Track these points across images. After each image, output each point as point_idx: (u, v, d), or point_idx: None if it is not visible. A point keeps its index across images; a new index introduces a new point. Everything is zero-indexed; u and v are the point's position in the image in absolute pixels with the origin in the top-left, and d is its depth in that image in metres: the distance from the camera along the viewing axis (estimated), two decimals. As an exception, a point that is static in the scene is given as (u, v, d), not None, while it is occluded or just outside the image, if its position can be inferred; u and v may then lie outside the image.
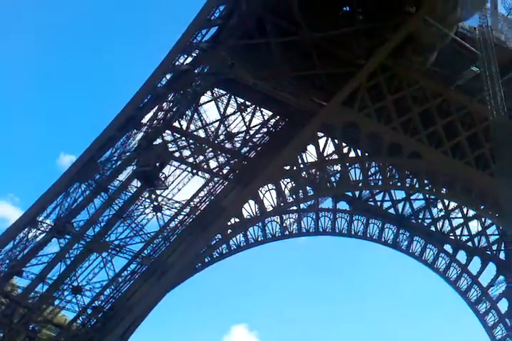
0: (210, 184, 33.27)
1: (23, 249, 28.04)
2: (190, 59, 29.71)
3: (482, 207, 34.35)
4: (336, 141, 31.28)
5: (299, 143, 30.13)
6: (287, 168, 29.76)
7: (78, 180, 28.71)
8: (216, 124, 33.21)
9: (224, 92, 33.41)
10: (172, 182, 32.62)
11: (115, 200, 30.10)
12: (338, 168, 31.16)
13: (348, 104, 30.33)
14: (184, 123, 32.32)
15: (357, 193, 37.90)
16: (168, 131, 31.77)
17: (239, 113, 33.93)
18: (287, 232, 35.19)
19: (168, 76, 29.42)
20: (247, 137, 33.96)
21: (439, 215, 39.68)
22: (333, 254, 70.96)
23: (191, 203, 32.80)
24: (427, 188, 33.70)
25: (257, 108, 34.18)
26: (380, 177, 32.60)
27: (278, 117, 34.62)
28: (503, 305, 39.18)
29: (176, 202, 32.64)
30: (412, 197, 39.08)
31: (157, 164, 30.07)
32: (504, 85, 29.12)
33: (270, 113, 34.61)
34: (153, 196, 32.10)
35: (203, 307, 68.34)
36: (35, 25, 73.65)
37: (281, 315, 68.11)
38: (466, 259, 39.66)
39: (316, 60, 29.84)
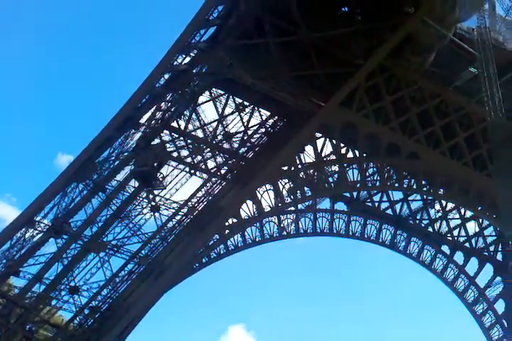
0: (208, 184, 33.24)
1: (20, 249, 27.96)
2: (188, 59, 29.66)
3: (479, 208, 34.37)
4: (334, 141, 31.28)
5: (297, 144, 30.10)
6: (285, 168, 29.75)
7: (76, 180, 28.64)
8: (214, 124, 33.19)
9: (222, 92, 33.38)
10: (170, 183, 32.65)
11: (113, 200, 30.08)
12: (336, 168, 31.18)
13: (346, 105, 30.32)
14: (182, 123, 32.33)
15: (355, 194, 37.89)
16: (166, 131, 31.73)
17: (237, 113, 33.91)
18: (285, 233, 35.12)
19: (166, 76, 29.39)
20: (245, 137, 33.93)
21: (437, 216, 39.71)
22: (330, 255, 71.06)
23: (189, 203, 32.77)
24: (425, 189, 33.70)
25: (255, 108, 34.15)
26: (378, 178, 32.59)
27: (276, 117, 34.60)
28: (500, 306, 39.30)
29: (174, 202, 32.63)
30: (409, 198, 39.11)
31: (155, 164, 30.06)
32: (502, 86, 29.16)
33: (268, 113, 34.59)
34: (151, 196, 32.09)
35: (200, 307, 68.44)
36: (34, 25, 73.61)
37: (279, 315, 68.25)
38: (463, 260, 39.71)
39: (315, 60, 29.82)
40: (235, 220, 28.46)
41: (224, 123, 33.55)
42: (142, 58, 74.66)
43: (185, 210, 32.45)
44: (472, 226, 40.11)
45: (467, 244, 39.82)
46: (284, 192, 29.49)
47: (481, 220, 39.71)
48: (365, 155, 31.82)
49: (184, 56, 29.32)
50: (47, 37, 75.32)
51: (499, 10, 36.36)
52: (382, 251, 39.35)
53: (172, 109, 31.06)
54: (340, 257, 74.09)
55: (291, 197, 29.72)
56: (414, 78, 32.30)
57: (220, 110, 33.38)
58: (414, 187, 33.34)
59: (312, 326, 67.86)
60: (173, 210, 32.41)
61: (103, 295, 29.42)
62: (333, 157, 31.26)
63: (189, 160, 32.62)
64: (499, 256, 40.06)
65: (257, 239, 33.97)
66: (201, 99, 32.83)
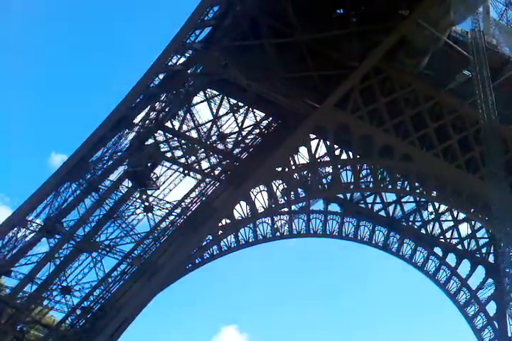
0: (201, 185, 33.19)
1: (12, 249, 27.83)
2: (183, 59, 29.64)
3: (472, 210, 34.52)
4: (328, 142, 31.33)
5: (291, 145, 30.12)
6: (279, 169, 29.76)
7: (69, 180, 28.55)
8: (208, 125, 33.11)
9: (217, 93, 33.32)
10: (163, 183, 32.56)
11: (106, 200, 30.00)
12: (329, 170, 31.25)
13: (340, 106, 30.37)
14: (176, 124, 32.21)
15: (348, 195, 37.98)
16: (160, 131, 31.64)
17: (231, 114, 33.84)
18: (278, 234, 35.11)
19: (161, 76, 29.35)
20: (240, 138, 33.89)
21: (430, 218, 39.82)
22: (323, 256, 71.10)
23: (182, 204, 32.71)
24: (418, 191, 33.82)
25: (250, 109, 34.12)
26: (371, 180, 32.69)
27: (270, 118, 34.59)
28: (491, 308, 39.45)
29: (167, 202, 32.57)
30: (402, 200, 39.20)
31: (149, 164, 30.02)
32: (495, 89, 29.34)
33: (263, 114, 34.57)
34: (144, 196, 31.99)
35: (193, 307, 68.36)
36: (28, 25, 73.23)
37: (272, 316, 68.25)
38: (455, 262, 39.84)
39: (310, 62, 29.84)
40: (228, 221, 28.45)
41: (218, 123, 33.48)
42: (137, 58, 74.65)
43: (178, 211, 32.38)
44: (465, 229, 40.33)
45: (459, 246, 39.97)
46: (278, 193, 29.52)
47: (473, 222, 39.87)
48: (358, 156, 31.91)
49: (179, 56, 29.29)
50: (41, 35, 75.03)
51: (493, 13, 36.67)
52: (374, 252, 39.35)
53: (166, 109, 31.00)
54: (332, 258, 74.29)
55: (285, 198, 29.75)
56: (408, 80, 32.41)
57: (214, 110, 33.31)
58: (408, 189, 33.46)
59: (306, 327, 67.98)
60: (167, 211, 32.36)
61: (95, 296, 29.34)
62: (326, 158, 31.35)
63: (183, 160, 32.55)
64: (491, 258, 40.24)
65: (251, 240, 33.95)
66: (196, 99, 32.74)
